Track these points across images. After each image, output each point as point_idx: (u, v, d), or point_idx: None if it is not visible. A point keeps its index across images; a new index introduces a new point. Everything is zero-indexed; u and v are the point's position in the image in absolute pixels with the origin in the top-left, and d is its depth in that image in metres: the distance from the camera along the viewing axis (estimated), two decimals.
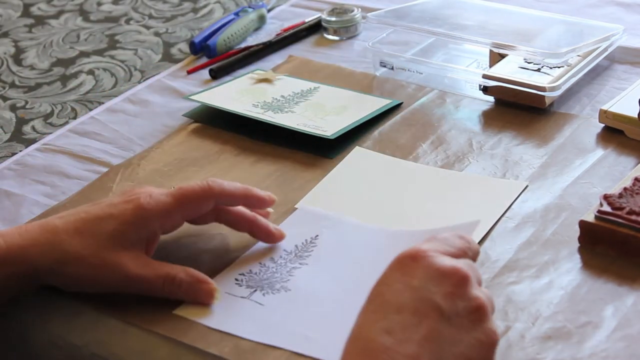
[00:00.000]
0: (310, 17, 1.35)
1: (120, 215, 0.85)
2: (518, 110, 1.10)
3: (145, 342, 0.82)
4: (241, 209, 0.91)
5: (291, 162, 1.05)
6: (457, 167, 1.02)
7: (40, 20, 1.45)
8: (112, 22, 1.43)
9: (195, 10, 1.45)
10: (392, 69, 1.20)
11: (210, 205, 0.89)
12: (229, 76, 1.24)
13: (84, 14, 1.47)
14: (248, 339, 0.81)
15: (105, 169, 1.08)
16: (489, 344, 0.71)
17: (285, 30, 1.33)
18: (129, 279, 0.83)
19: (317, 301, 0.85)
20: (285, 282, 0.87)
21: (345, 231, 0.93)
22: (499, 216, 0.94)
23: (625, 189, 0.90)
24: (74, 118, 1.19)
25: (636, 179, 0.91)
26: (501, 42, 1.14)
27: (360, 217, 0.95)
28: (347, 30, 1.31)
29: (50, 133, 1.16)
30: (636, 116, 1.02)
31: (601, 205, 0.88)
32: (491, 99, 1.13)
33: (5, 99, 1.25)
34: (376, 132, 1.09)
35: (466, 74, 1.16)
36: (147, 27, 1.41)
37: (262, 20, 1.37)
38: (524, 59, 1.13)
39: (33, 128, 1.18)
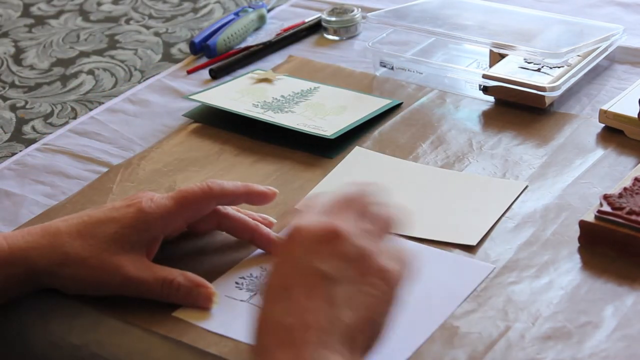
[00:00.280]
0: (310, 17, 1.35)
1: (122, 219, 0.85)
2: (518, 110, 1.10)
3: (145, 342, 0.82)
4: (243, 216, 0.91)
5: (291, 162, 1.05)
6: (457, 167, 1.02)
7: (40, 20, 1.45)
8: (112, 22, 1.43)
9: (195, 10, 1.45)
10: (392, 69, 1.20)
11: (212, 206, 0.89)
12: (229, 76, 1.24)
13: (84, 14, 1.47)
14: (247, 342, 0.81)
15: (105, 169, 1.08)
16: (387, 282, 0.72)
17: (285, 30, 1.33)
18: (128, 282, 0.84)
19: None
20: None
21: None
22: (499, 216, 0.94)
23: (625, 189, 0.90)
24: (74, 118, 1.19)
25: (636, 179, 0.91)
26: (501, 42, 1.14)
27: None
28: (347, 30, 1.31)
29: (50, 133, 1.16)
30: (636, 116, 1.02)
31: (601, 205, 0.88)
32: (491, 99, 1.13)
33: (5, 99, 1.25)
34: (376, 132, 1.09)
35: (466, 74, 1.16)
36: (147, 27, 1.41)
37: (262, 20, 1.37)
38: (524, 59, 1.13)
39: (33, 128, 1.18)
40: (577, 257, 0.88)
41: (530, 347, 0.79)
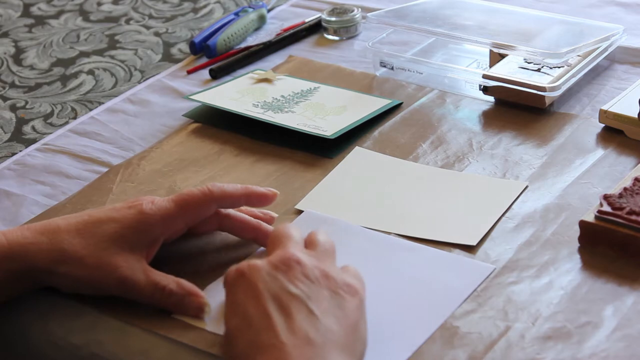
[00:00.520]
0: (310, 17, 1.35)
1: (122, 219, 0.85)
2: (518, 110, 1.10)
3: (145, 342, 0.82)
4: (244, 216, 0.91)
5: (291, 162, 1.05)
6: (457, 167, 1.02)
7: (40, 20, 1.45)
8: (112, 22, 1.43)
9: (195, 10, 1.45)
10: (392, 69, 1.20)
11: (212, 209, 0.89)
12: (229, 76, 1.24)
13: (84, 14, 1.47)
14: None
15: (105, 169, 1.08)
16: (354, 295, 0.76)
17: (285, 30, 1.33)
18: (122, 283, 0.84)
19: None
20: None
21: (347, 238, 0.92)
22: (499, 216, 0.94)
23: (625, 189, 0.90)
24: (74, 118, 1.19)
25: (636, 179, 0.91)
26: (501, 42, 1.14)
27: (360, 217, 0.95)
28: (347, 30, 1.31)
29: (50, 133, 1.16)
30: (636, 116, 1.02)
31: (601, 205, 0.88)
32: (491, 99, 1.13)
33: (5, 99, 1.25)
34: (376, 132, 1.09)
35: (466, 74, 1.16)
36: (147, 27, 1.41)
37: (262, 20, 1.37)
38: (524, 59, 1.13)
39: (33, 128, 1.18)
40: (577, 257, 0.88)
41: (530, 347, 0.79)
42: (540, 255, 0.88)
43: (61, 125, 1.18)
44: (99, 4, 1.49)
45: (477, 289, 0.85)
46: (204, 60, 1.29)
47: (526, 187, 0.98)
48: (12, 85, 1.28)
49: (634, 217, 0.86)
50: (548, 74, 1.10)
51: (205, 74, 1.26)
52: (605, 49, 1.15)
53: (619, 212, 0.87)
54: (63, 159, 1.11)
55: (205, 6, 1.46)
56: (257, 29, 1.36)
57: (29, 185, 1.07)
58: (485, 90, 1.12)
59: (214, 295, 0.86)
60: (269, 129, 1.10)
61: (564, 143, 1.04)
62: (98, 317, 0.85)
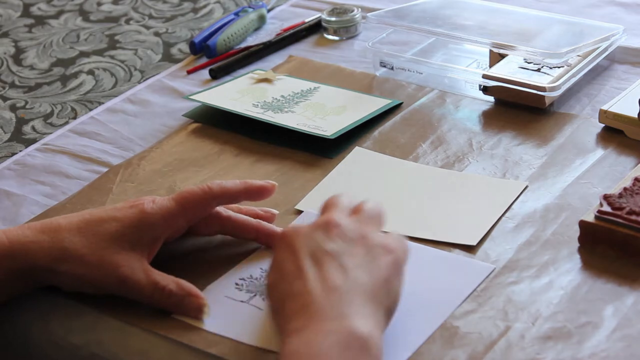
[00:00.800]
0: (310, 17, 1.35)
1: (123, 218, 0.85)
2: (518, 110, 1.10)
3: (145, 342, 0.82)
4: (245, 217, 0.91)
5: (291, 162, 1.05)
6: (457, 167, 1.02)
7: (40, 20, 1.45)
8: (112, 22, 1.43)
9: (195, 10, 1.45)
10: (392, 69, 1.20)
11: (213, 207, 0.89)
12: (229, 76, 1.24)
13: (84, 14, 1.47)
14: (247, 343, 0.81)
15: (105, 169, 1.08)
16: (390, 253, 0.78)
17: (285, 30, 1.33)
18: (123, 282, 0.84)
19: None
20: None
21: None
22: (499, 216, 0.94)
23: (625, 189, 0.90)
24: (74, 118, 1.19)
25: (636, 179, 0.91)
26: (501, 42, 1.14)
27: None
28: (347, 30, 1.31)
29: (50, 133, 1.16)
30: (636, 116, 1.02)
31: (601, 205, 0.88)
32: (491, 99, 1.13)
33: (5, 99, 1.25)
34: (376, 132, 1.09)
35: (466, 74, 1.16)
36: (147, 27, 1.41)
37: (262, 20, 1.37)
38: (524, 59, 1.13)
39: (33, 128, 1.18)
40: (577, 257, 0.88)
41: (530, 347, 0.79)
42: (540, 255, 0.88)
43: (61, 125, 1.18)
44: (99, 4, 1.49)
45: (477, 289, 0.85)
46: (204, 60, 1.29)
47: (526, 187, 0.98)
48: (12, 85, 1.28)
49: (634, 217, 0.86)
50: (548, 74, 1.10)
51: (205, 74, 1.26)
52: (605, 49, 1.15)
53: (619, 212, 0.87)
54: (63, 159, 1.11)
55: (205, 6, 1.46)
56: (257, 29, 1.36)
57: (29, 185, 1.07)
58: (485, 90, 1.12)
59: (214, 296, 0.86)
60: (269, 129, 1.10)
61: (564, 143, 1.04)
62: (98, 317, 0.85)
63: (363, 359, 0.70)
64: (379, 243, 0.78)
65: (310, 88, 1.17)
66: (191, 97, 1.17)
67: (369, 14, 1.23)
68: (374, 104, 1.13)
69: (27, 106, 1.23)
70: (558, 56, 1.09)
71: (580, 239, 0.89)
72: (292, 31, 1.32)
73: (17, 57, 1.35)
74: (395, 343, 0.79)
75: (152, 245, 0.86)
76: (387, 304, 0.76)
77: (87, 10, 1.48)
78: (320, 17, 1.33)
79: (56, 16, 1.46)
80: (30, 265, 0.84)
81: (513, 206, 0.95)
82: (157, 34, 1.39)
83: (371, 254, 0.77)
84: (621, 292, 0.83)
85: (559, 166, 1.00)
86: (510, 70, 1.12)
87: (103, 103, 1.22)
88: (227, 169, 1.05)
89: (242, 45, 1.30)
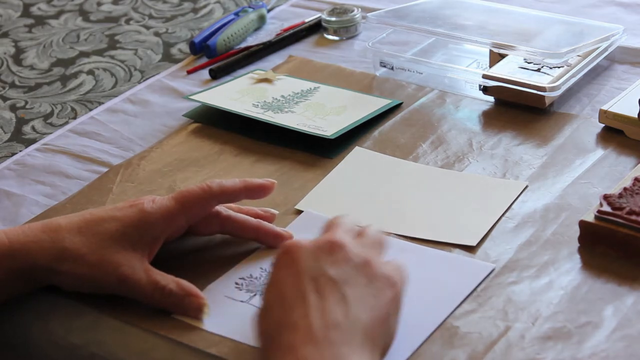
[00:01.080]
0: (310, 17, 1.35)
1: (123, 218, 0.85)
2: (518, 110, 1.10)
3: (145, 342, 0.82)
4: (245, 217, 0.91)
5: (291, 162, 1.05)
6: (457, 167, 1.02)
7: (40, 20, 1.45)
8: (112, 22, 1.43)
9: (195, 10, 1.45)
10: (392, 69, 1.20)
11: (212, 205, 0.89)
12: (229, 76, 1.24)
13: (84, 14, 1.47)
14: (247, 343, 0.81)
15: (105, 169, 1.08)
16: (392, 287, 0.76)
17: (285, 30, 1.33)
18: (123, 282, 0.84)
19: None
20: None
21: None
22: (499, 216, 0.94)
23: (625, 189, 0.90)
24: (74, 118, 1.19)
25: (636, 179, 0.91)
26: (501, 42, 1.14)
27: (360, 217, 0.95)
28: (347, 30, 1.31)
29: (50, 133, 1.16)
30: (636, 116, 1.02)
31: (601, 205, 0.88)
32: (491, 99, 1.13)
33: (5, 99, 1.25)
34: (376, 132, 1.09)
35: (466, 74, 1.16)
36: (147, 27, 1.41)
37: (262, 20, 1.37)
38: (524, 59, 1.13)
39: (33, 128, 1.18)
40: (577, 257, 0.88)
41: (530, 347, 0.79)
42: (540, 255, 0.88)
43: (61, 125, 1.18)
44: (99, 4, 1.49)
45: (477, 289, 0.85)
46: (204, 60, 1.29)
47: (526, 187, 0.98)
48: (12, 85, 1.28)
49: (634, 217, 0.86)
50: (548, 74, 1.10)
51: (205, 74, 1.26)
52: (605, 49, 1.15)
53: (619, 212, 0.87)
54: (63, 159, 1.11)
55: (205, 6, 1.46)
56: (257, 29, 1.36)
57: (29, 185, 1.07)
58: (485, 90, 1.12)
59: (214, 296, 0.86)
60: (269, 129, 1.10)
61: (564, 143, 1.04)
62: (98, 317, 0.85)
63: None
64: (382, 274, 0.76)
65: (310, 88, 1.17)
66: (191, 97, 1.17)
67: (369, 14, 1.23)
68: (374, 104, 1.13)
69: (27, 106, 1.23)
70: (558, 56, 1.09)
71: (580, 239, 0.89)
72: (292, 31, 1.32)
73: (17, 57, 1.36)
74: (395, 343, 0.79)
75: (153, 245, 0.86)
76: (383, 343, 0.75)
77: (87, 10, 1.48)
78: (320, 17, 1.33)
79: (56, 16, 1.46)
80: (30, 265, 0.84)
81: (513, 206, 0.95)
82: (157, 34, 1.39)
83: (373, 286, 0.75)
84: (621, 292, 0.83)
85: (559, 166, 1.00)
86: (510, 70, 1.12)
87: (103, 103, 1.22)
88: (227, 169, 1.05)
89: (242, 45, 1.30)
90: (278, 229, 0.91)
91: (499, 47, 1.14)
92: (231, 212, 0.91)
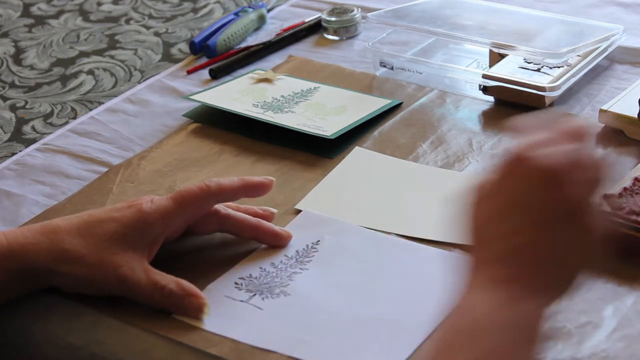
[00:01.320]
0: (310, 17, 1.35)
1: (122, 219, 0.85)
2: (518, 110, 1.10)
3: (145, 342, 0.82)
4: (244, 216, 0.91)
5: (291, 162, 1.05)
6: (457, 167, 1.02)
7: (40, 20, 1.45)
8: (112, 22, 1.43)
9: (195, 10, 1.45)
10: (392, 69, 1.20)
11: (211, 205, 0.89)
12: (229, 76, 1.24)
13: (84, 14, 1.47)
14: (246, 343, 0.81)
15: (105, 169, 1.08)
16: (594, 244, 0.70)
17: (285, 30, 1.33)
18: (123, 283, 0.84)
19: (315, 306, 0.85)
20: (284, 287, 0.87)
21: (347, 237, 0.92)
22: None
23: (625, 189, 0.90)
24: (74, 118, 1.19)
25: (636, 179, 0.91)
26: (501, 42, 1.14)
27: (360, 217, 0.95)
28: (347, 30, 1.31)
29: (50, 133, 1.16)
30: (636, 116, 1.02)
31: (601, 205, 0.88)
32: (491, 99, 1.13)
33: (5, 99, 1.25)
34: (376, 132, 1.09)
35: (466, 74, 1.16)
36: (147, 27, 1.41)
37: (262, 20, 1.37)
38: (524, 59, 1.13)
39: (33, 128, 1.18)
40: None
41: None
42: None
43: (61, 125, 1.18)
44: (99, 4, 1.49)
45: None
46: (204, 60, 1.29)
47: None
48: (12, 85, 1.28)
49: (634, 217, 0.86)
50: (548, 74, 1.10)
51: (205, 74, 1.26)
52: (605, 49, 1.15)
53: (619, 212, 0.87)
54: (63, 159, 1.11)
55: (205, 6, 1.46)
56: (257, 29, 1.36)
57: (29, 185, 1.07)
58: (485, 90, 1.12)
59: (214, 296, 0.86)
60: (269, 129, 1.10)
61: None
62: (98, 317, 0.85)
63: (529, 346, 0.66)
64: (589, 229, 0.69)
65: (310, 88, 1.17)
66: (191, 97, 1.17)
67: (369, 14, 1.23)
68: (373, 104, 1.13)
69: (27, 106, 1.23)
70: (558, 56, 1.09)
71: None
72: (292, 31, 1.32)
73: (17, 57, 1.35)
74: (395, 342, 0.79)
75: (152, 245, 0.86)
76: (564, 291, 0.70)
77: (87, 10, 1.48)
78: (320, 17, 1.33)
79: (56, 16, 1.46)
80: (29, 266, 0.84)
81: None
82: (157, 34, 1.39)
83: (589, 234, 0.69)
84: (621, 292, 0.83)
85: None
86: (510, 70, 1.12)
87: (103, 103, 1.22)
88: (227, 169, 1.05)
89: (242, 45, 1.30)
90: (277, 228, 0.91)
91: (499, 47, 1.14)
92: (230, 211, 0.91)
